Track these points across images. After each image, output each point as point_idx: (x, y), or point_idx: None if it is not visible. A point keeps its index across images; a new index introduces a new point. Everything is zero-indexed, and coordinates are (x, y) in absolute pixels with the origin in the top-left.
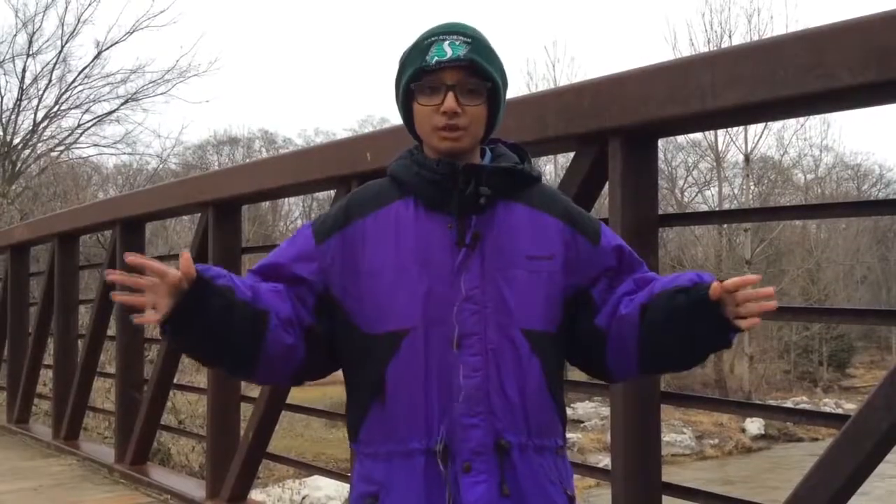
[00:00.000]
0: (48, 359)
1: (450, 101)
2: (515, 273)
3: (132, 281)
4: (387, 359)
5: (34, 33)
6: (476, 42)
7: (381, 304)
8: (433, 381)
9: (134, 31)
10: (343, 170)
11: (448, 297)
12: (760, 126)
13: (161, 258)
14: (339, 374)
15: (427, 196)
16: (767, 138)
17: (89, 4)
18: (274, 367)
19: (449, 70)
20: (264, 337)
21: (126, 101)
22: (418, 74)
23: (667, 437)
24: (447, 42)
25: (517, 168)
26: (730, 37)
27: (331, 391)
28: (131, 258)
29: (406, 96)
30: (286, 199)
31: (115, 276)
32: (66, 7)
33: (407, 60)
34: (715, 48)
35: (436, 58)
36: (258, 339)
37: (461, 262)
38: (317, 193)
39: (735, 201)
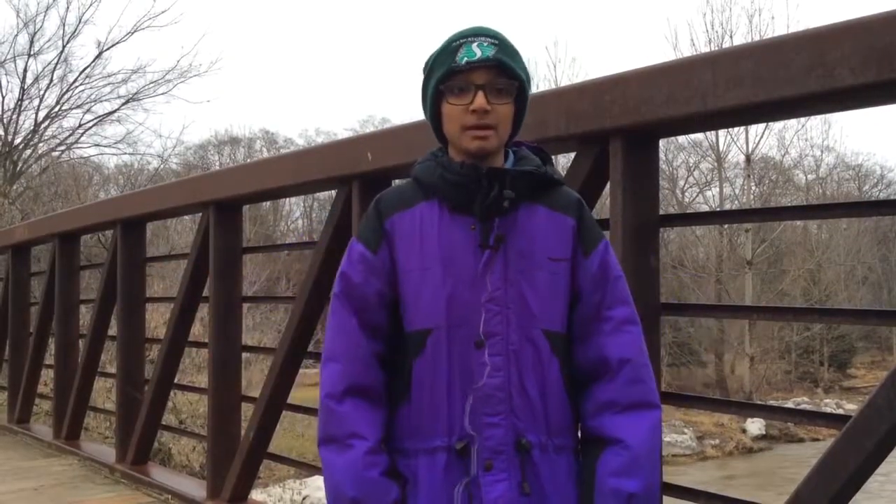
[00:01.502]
0: (49, 359)
1: (480, 100)
2: (538, 275)
3: None
4: (413, 357)
5: (35, 33)
6: (503, 43)
7: (409, 303)
8: (456, 381)
9: (135, 31)
10: (344, 170)
11: (471, 298)
12: (761, 126)
13: (163, 258)
14: None
15: (451, 198)
16: (768, 139)
17: (90, 4)
18: None
19: (478, 70)
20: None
21: (127, 101)
22: (448, 75)
23: (668, 437)
24: (475, 44)
25: (540, 171)
26: (731, 37)
27: None
28: None
29: (434, 98)
30: (287, 199)
31: None
32: (68, 7)
33: (435, 62)
34: (716, 48)
35: (465, 58)
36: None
37: (485, 263)
38: (318, 193)
39: (736, 202)
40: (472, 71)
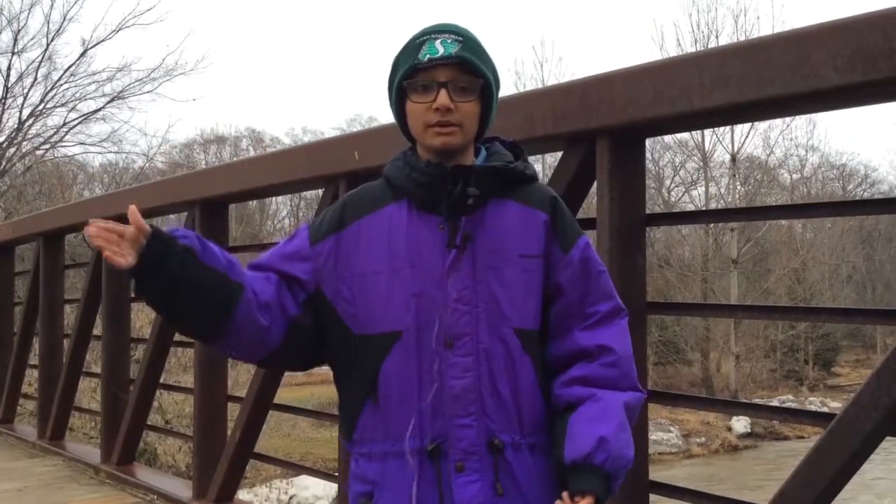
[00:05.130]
0: (33, 358)
1: (442, 98)
2: (508, 272)
3: (103, 235)
4: (380, 360)
5: (19, 31)
6: (468, 41)
7: (374, 305)
8: (425, 382)
9: (120, 29)
10: (331, 169)
11: (439, 299)
12: (747, 126)
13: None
14: (329, 373)
15: (418, 198)
16: (754, 138)
17: (75, 2)
18: (243, 342)
19: (441, 67)
20: (233, 309)
21: (112, 100)
22: (411, 72)
23: (654, 435)
24: (439, 40)
25: (507, 167)
26: (716, 37)
27: (318, 391)
28: (91, 226)
29: (399, 96)
30: (273, 199)
31: (90, 228)
32: (52, 5)
33: (399, 60)
34: (702, 48)
35: (428, 55)
36: (227, 309)
37: (451, 263)
38: (304, 192)
39: (721, 201)
40: (435, 68)
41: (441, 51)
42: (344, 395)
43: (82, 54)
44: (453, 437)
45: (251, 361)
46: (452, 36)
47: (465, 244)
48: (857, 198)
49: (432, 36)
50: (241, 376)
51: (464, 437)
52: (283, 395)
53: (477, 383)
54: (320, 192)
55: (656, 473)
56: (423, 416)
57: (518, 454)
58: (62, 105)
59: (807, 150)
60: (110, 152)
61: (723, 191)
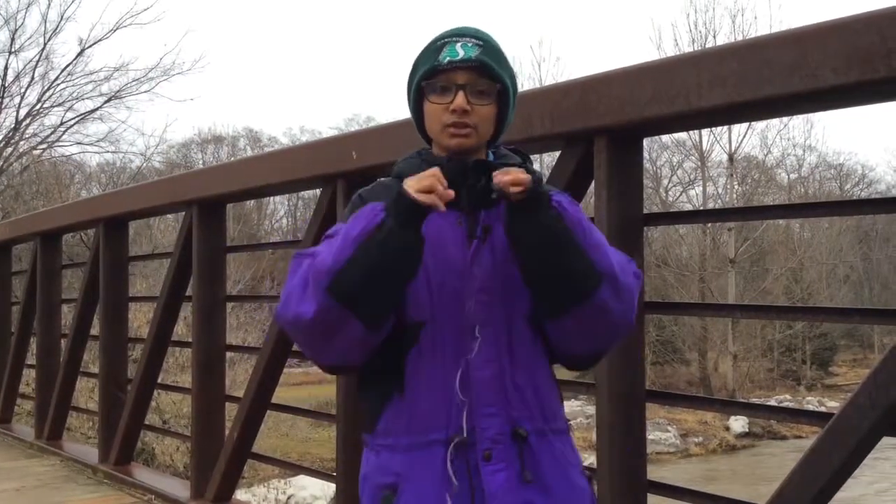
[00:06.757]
0: (31, 358)
1: (459, 100)
2: None
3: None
4: (406, 351)
5: (16, 30)
6: (487, 45)
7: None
8: (450, 373)
9: (117, 28)
10: (329, 168)
11: (462, 290)
12: (744, 126)
13: (146, 257)
14: (324, 373)
15: None
16: (751, 138)
17: (72, 1)
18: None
19: (460, 70)
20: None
21: (109, 99)
22: (430, 73)
23: (651, 435)
24: (459, 44)
25: (524, 166)
26: (714, 37)
27: (317, 391)
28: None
29: (417, 95)
30: (271, 198)
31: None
32: (49, 4)
33: (419, 60)
34: (699, 48)
35: (448, 58)
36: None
37: (473, 255)
38: (302, 192)
39: (719, 200)
40: (454, 70)
41: (461, 54)
42: (367, 386)
43: (79, 54)
44: (479, 427)
45: (353, 362)
46: (473, 40)
47: (486, 236)
48: (855, 197)
49: (453, 39)
50: (238, 376)
51: (489, 426)
52: (281, 395)
53: (500, 373)
54: (318, 191)
55: (654, 473)
56: (450, 406)
57: (542, 440)
58: (59, 104)
59: (804, 150)
60: (108, 152)
61: (720, 190)
